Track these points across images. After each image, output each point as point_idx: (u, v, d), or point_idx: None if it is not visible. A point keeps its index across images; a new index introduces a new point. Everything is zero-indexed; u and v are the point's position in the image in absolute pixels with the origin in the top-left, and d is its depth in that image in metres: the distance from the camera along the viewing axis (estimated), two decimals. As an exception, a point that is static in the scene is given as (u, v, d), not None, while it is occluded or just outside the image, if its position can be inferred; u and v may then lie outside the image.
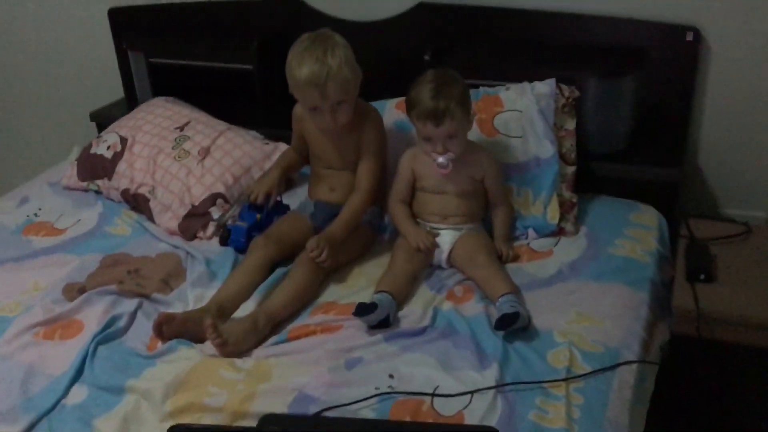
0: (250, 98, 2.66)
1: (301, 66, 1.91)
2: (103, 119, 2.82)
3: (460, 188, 2.03)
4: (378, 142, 2.08)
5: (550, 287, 1.88)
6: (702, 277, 1.91)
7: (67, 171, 2.54)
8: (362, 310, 1.73)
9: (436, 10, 2.42)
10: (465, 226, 2.03)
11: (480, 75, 2.27)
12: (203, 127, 2.47)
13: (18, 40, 3.16)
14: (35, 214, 2.38)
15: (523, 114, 2.15)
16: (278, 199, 2.21)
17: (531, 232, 2.09)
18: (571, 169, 2.16)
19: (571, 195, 2.14)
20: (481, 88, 2.24)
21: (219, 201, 2.27)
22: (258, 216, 2.13)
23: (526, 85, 2.20)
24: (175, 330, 1.73)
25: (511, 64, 2.31)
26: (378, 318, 1.74)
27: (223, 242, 2.14)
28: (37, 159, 3.26)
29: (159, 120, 2.52)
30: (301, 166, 2.30)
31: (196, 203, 2.26)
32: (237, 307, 1.85)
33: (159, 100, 2.67)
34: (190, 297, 1.91)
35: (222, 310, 1.81)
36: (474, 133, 2.10)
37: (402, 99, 2.26)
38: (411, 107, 1.96)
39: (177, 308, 1.88)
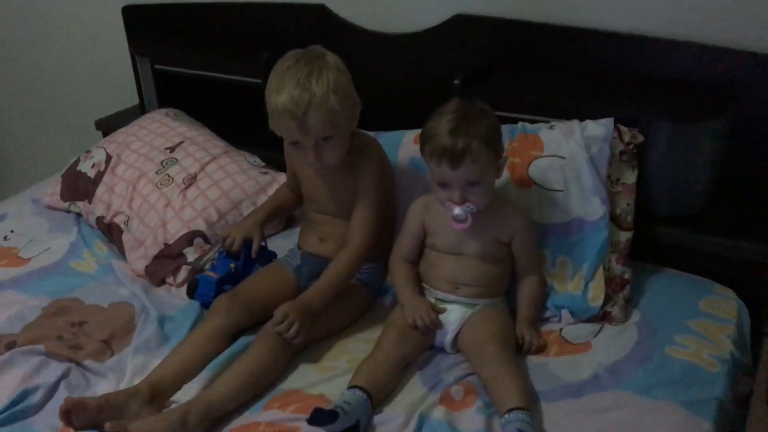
0: (259, 115, 2.30)
1: (280, 90, 1.53)
2: (109, 128, 2.52)
3: (480, 250, 1.60)
4: (377, 185, 1.67)
5: (580, 398, 1.43)
6: (790, 401, 1.41)
7: (50, 188, 2.25)
8: (319, 418, 1.32)
9: (475, 24, 1.99)
10: (481, 301, 1.60)
11: (520, 107, 1.83)
12: (196, 149, 2.12)
13: (29, 36, 2.91)
14: (5, 237, 2.10)
15: (568, 162, 1.70)
16: (262, 244, 1.83)
17: (565, 314, 1.64)
18: (625, 236, 1.69)
19: (622, 270, 1.67)
20: (520, 124, 1.80)
21: (197, 241, 1.92)
22: (232, 266, 1.76)
23: (575, 124, 1.74)
24: (87, 419, 1.38)
25: (559, 95, 1.85)
26: (343, 426, 1.34)
27: (190, 294, 1.78)
28: (41, 168, 3.00)
29: (151, 137, 2.19)
30: (297, 206, 1.92)
31: (171, 241, 1.91)
32: (178, 388, 1.49)
33: (158, 113, 2.35)
34: (129, 367, 1.57)
35: (156, 392, 1.45)
36: (501, 182, 1.67)
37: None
38: (424, 141, 1.55)
39: (110, 381, 1.54)
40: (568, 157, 1.70)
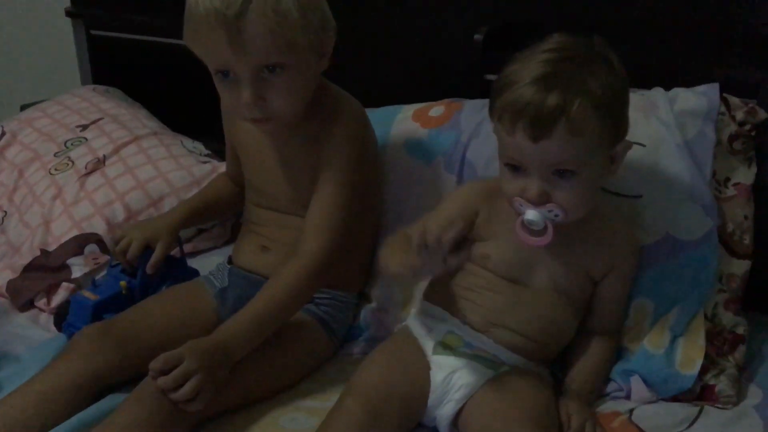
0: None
1: None
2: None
3: (556, 284, 0.98)
4: (350, 156, 1.06)
5: None
6: None
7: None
8: None
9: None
10: (514, 359, 0.98)
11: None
12: (116, 127, 1.55)
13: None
14: None
15: (650, 151, 1.08)
16: (176, 254, 1.23)
17: (637, 384, 1.00)
18: (741, 268, 1.06)
19: (734, 321, 1.04)
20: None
21: (90, 248, 1.32)
22: (123, 284, 1.15)
23: (658, 93, 1.14)
24: None
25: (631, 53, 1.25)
26: None
27: (58, 324, 1.17)
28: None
29: (64, 114, 1.63)
30: (238, 203, 1.30)
31: (51, 247, 1.32)
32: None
33: (85, 89, 1.80)
34: None
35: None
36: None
37: (425, 105, 1.27)
38: (496, 93, 0.93)
39: None
40: (651, 143, 1.08)
